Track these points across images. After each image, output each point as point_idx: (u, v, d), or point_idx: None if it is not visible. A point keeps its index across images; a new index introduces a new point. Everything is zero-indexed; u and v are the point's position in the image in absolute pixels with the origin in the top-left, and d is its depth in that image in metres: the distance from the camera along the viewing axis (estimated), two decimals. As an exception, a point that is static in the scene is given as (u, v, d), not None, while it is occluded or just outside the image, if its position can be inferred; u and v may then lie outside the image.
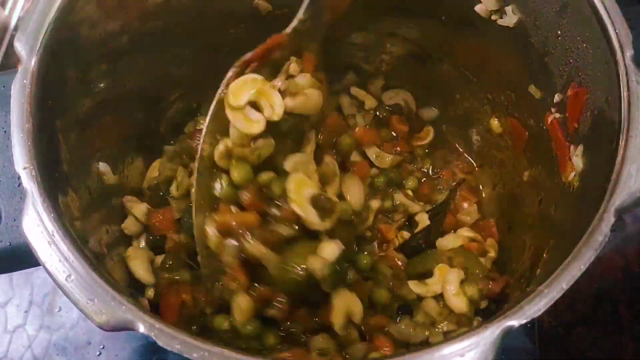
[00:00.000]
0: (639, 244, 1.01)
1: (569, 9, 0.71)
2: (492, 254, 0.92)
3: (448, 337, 0.66)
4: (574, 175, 0.72)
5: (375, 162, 1.00)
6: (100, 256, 0.73)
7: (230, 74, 0.73)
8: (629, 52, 0.64)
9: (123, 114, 0.86)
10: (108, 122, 0.82)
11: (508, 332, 0.54)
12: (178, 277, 0.80)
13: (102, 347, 0.98)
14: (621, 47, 0.64)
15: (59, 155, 0.69)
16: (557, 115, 0.77)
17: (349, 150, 0.88)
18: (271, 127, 0.72)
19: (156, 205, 0.88)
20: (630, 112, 0.62)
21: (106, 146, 0.82)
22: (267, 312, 0.72)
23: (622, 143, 0.61)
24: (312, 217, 0.72)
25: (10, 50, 1.23)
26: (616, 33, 0.65)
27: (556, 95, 0.77)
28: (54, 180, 0.64)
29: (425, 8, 0.89)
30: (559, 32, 0.74)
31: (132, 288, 0.78)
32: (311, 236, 0.73)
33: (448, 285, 0.83)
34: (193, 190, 0.74)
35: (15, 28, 1.25)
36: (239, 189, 0.73)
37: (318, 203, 0.73)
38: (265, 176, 0.73)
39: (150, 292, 0.80)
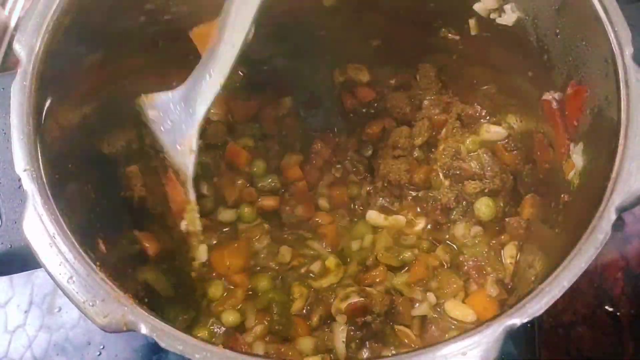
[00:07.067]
0: (639, 244, 1.01)
1: (568, 7, 0.71)
2: None
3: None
4: (574, 174, 0.72)
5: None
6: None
7: None
8: (628, 50, 0.64)
9: (124, 115, 0.85)
10: (109, 123, 0.82)
11: (510, 331, 0.54)
12: None
13: (102, 347, 0.98)
14: (620, 45, 0.64)
15: (60, 157, 0.69)
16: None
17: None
18: None
19: None
20: (630, 110, 0.62)
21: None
22: None
23: (621, 141, 0.61)
24: None
25: (10, 51, 1.23)
26: (615, 31, 0.65)
27: (556, 94, 0.77)
28: (55, 182, 0.64)
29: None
30: (558, 31, 0.74)
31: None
32: None
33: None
34: None
35: (15, 28, 1.25)
36: None
37: None
38: None
39: None
